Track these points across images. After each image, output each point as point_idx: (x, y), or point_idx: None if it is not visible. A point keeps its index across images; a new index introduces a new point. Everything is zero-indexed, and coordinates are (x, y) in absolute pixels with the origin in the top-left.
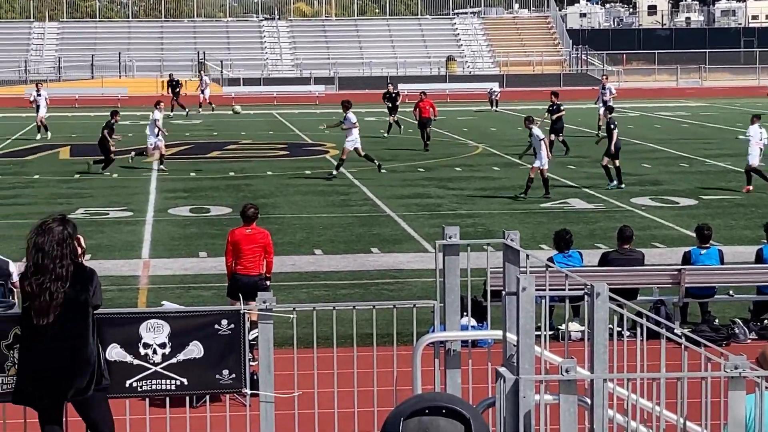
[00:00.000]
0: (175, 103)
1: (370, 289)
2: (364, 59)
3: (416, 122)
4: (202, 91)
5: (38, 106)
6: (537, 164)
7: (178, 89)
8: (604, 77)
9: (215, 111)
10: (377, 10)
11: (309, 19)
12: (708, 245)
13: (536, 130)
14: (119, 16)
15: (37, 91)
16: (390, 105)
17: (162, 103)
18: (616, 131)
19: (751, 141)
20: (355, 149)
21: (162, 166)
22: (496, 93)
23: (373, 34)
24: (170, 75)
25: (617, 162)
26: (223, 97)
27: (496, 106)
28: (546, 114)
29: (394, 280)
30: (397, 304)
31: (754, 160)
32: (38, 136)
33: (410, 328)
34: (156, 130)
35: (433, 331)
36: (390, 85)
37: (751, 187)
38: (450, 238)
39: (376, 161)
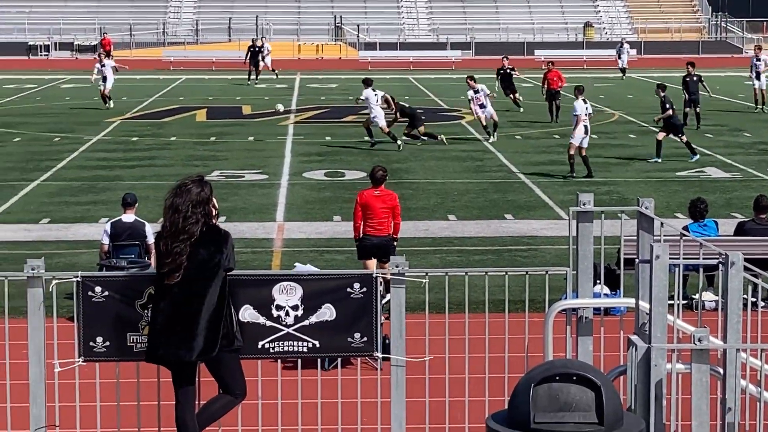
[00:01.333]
0: (253, 69)
1: (503, 256)
2: (501, 25)
3: (544, 94)
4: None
5: (105, 77)
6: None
7: (259, 55)
8: (757, 48)
9: (278, 77)
10: None
11: None
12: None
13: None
14: None
15: (101, 62)
16: (503, 83)
17: None
18: None
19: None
20: (380, 127)
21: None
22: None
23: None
24: (252, 40)
25: None
26: (359, 61)
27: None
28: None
29: (527, 247)
30: (529, 270)
31: None
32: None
33: (542, 295)
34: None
35: (566, 298)
36: (505, 59)
37: None
38: (584, 204)
39: (398, 140)
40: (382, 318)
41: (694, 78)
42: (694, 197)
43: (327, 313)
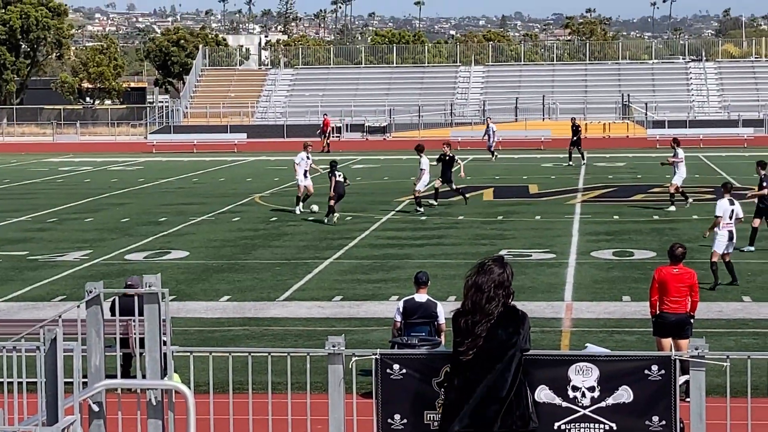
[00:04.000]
0: (574, 149)
1: None
2: None
3: None
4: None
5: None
6: None
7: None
8: None
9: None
10: None
11: (737, 60)
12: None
13: None
14: (543, 59)
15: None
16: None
17: (310, 146)
18: None
19: None
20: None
21: (300, 208)
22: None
23: None
24: (572, 119)
25: None
26: (647, 139)
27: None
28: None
29: None
30: None
31: None
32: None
33: None
34: (304, 171)
35: None
36: None
37: None
38: None
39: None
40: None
41: None
42: None
43: (624, 395)
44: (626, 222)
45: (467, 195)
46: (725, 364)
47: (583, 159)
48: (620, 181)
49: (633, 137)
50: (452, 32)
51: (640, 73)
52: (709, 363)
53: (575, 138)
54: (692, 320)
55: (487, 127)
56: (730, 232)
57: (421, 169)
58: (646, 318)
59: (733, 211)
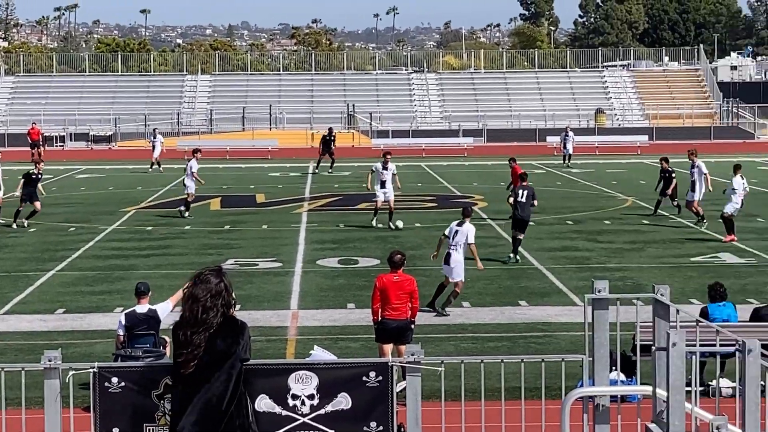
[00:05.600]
0: (326, 157)
1: (518, 343)
2: (513, 111)
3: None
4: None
5: (153, 147)
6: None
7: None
8: None
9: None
10: (526, 63)
11: (457, 71)
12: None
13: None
14: (270, 69)
15: (154, 134)
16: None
17: (200, 153)
18: None
19: (737, 191)
20: None
21: (187, 212)
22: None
23: (522, 87)
24: (329, 129)
25: None
26: (372, 149)
27: (568, 161)
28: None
29: (542, 334)
30: (545, 357)
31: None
32: (150, 169)
33: (558, 383)
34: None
35: (582, 385)
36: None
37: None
38: (599, 291)
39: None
40: (398, 406)
41: (666, 174)
42: (712, 282)
43: (343, 402)
44: (351, 230)
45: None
46: (440, 369)
47: (330, 167)
48: (346, 190)
49: (358, 147)
50: (179, 41)
51: (364, 84)
52: (425, 368)
53: (326, 146)
54: (413, 326)
55: None
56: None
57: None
58: (370, 325)
59: (458, 232)
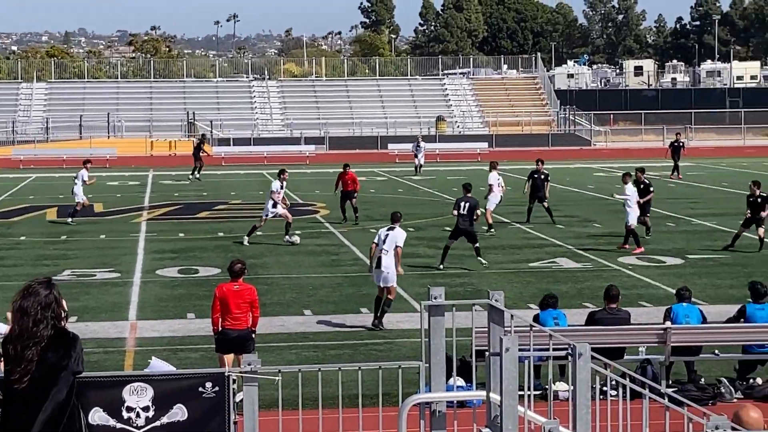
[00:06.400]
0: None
1: (359, 350)
2: (355, 119)
3: (339, 194)
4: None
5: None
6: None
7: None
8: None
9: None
10: (367, 71)
11: (299, 79)
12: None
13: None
14: (108, 76)
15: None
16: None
17: (90, 163)
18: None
19: (629, 201)
20: None
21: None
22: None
23: (364, 95)
24: (202, 135)
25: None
26: (212, 157)
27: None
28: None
29: (383, 341)
30: (383, 365)
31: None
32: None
33: (397, 389)
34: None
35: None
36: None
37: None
38: (435, 298)
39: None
40: (236, 416)
41: (542, 176)
42: (546, 288)
43: (179, 413)
44: (192, 239)
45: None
46: (277, 378)
47: (198, 173)
48: (186, 198)
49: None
50: (14, 48)
51: (205, 91)
52: (262, 378)
53: (198, 151)
54: (254, 335)
55: None
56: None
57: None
58: (211, 335)
59: (388, 237)
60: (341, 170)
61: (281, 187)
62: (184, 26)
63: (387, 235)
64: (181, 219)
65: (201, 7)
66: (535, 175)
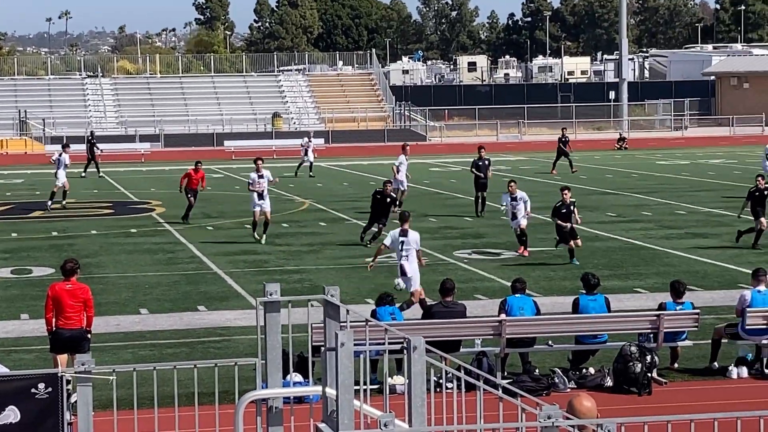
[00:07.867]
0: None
1: (196, 348)
2: (190, 116)
3: (184, 191)
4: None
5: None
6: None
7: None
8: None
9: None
10: (202, 68)
11: (133, 76)
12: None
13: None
14: None
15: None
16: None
17: (69, 147)
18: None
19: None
20: None
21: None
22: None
23: (199, 92)
24: (91, 132)
25: None
26: (46, 155)
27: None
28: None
29: (221, 338)
30: (219, 362)
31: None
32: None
33: (235, 387)
34: None
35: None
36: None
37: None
38: (271, 295)
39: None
40: (71, 417)
41: (486, 162)
42: (381, 282)
43: (11, 415)
44: (25, 239)
45: None
46: (111, 377)
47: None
48: (19, 198)
49: (31, 153)
50: None
51: (37, 90)
52: (96, 378)
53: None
54: (89, 335)
55: None
56: None
57: None
58: (45, 335)
59: (404, 242)
60: (192, 167)
61: (260, 177)
62: (15, 23)
63: (402, 241)
64: (14, 219)
65: (32, 3)
66: (480, 163)
